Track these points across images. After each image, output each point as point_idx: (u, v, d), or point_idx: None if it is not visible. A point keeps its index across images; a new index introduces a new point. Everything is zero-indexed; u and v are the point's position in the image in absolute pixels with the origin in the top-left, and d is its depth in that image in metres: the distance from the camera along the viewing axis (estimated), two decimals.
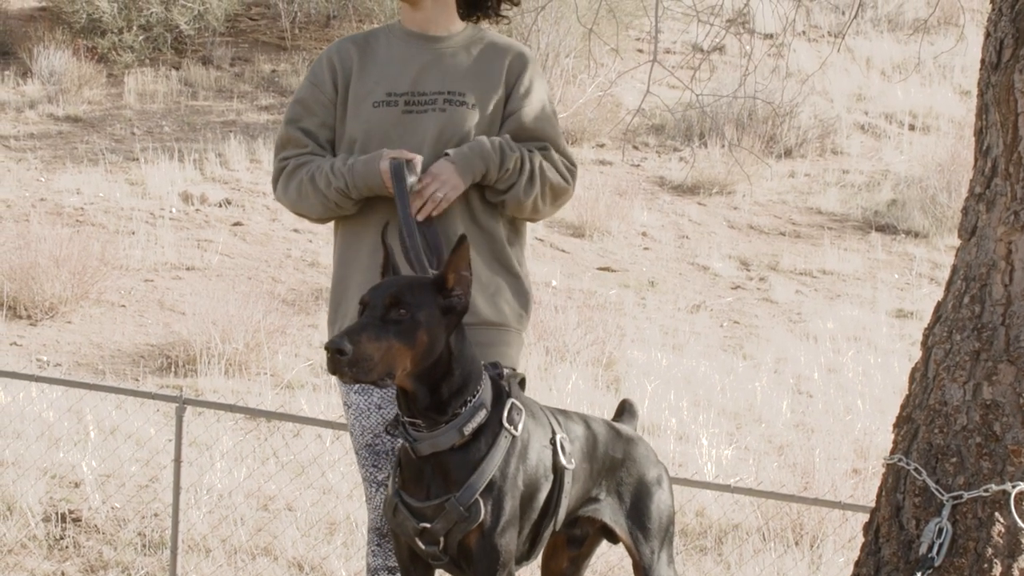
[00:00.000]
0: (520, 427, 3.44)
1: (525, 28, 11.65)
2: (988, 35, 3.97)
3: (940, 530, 3.80)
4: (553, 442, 3.53)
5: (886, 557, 3.91)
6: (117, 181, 14.34)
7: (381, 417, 3.89)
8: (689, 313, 12.85)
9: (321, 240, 13.23)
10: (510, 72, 4.00)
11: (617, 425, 3.86)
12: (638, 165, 16.44)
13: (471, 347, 3.43)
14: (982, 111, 3.99)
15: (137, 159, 14.86)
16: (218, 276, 12.57)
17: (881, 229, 15.24)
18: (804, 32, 19.41)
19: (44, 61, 16.34)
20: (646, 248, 14.37)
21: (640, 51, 17.78)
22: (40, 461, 8.06)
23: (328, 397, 9.89)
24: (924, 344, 4.03)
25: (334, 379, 3.33)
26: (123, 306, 11.80)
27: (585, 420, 3.72)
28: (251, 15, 18.56)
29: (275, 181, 4.06)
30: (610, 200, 14.76)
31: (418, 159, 3.83)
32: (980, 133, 4.00)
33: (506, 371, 3.59)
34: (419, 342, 3.28)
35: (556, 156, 3.99)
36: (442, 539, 3.39)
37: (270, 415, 7.89)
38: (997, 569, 3.77)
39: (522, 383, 3.62)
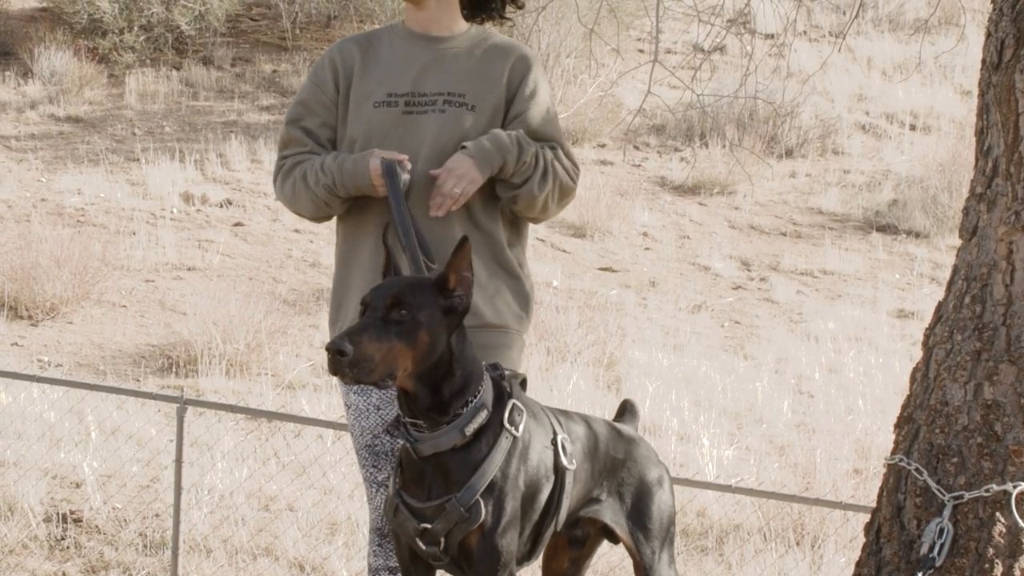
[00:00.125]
0: (521, 428, 3.44)
1: (526, 28, 11.65)
2: (989, 35, 3.96)
3: (941, 530, 3.80)
4: (554, 443, 3.53)
5: (887, 557, 3.91)
6: (118, 181, 14.35)
7: (380, 418, 3.89)
8: (690, 313, 12.85)
9: (322, 240, 13.23)
10: (512, 74, 3.98)
11: (618, 425, 3.86)
12: (639, 165, 16.44)
13: (472, 348, 3.43)
14: (983, 111, 3.99)
15: (138, 159, 14.87)
16: (219, 276, 12.58)
17: (882, 229, 15.24)
18: (805, 32, 19.41)
19: (45, 61, 16.34)
20: (647, 248, 14.37)
21: (641, 51, 17.78)
22: (41, 461, 8.06)
23: (329, 397, 9.89)
24: (925, 344, 4.03)
25: (335, 379, 3.32)
26: (124, 306, 11.80)
27: (586, 420, 3.72)
28: (252, 15, 18.56)
29: (275, 180, 4.07)
30: (611, 200, 14.76)
31: (407, 159, 3.83)
32: (981, 133, 4.00)
33: (507, 372, 3.59)
34: (420, 342, 3.28)
35: (562, 156, 3.98)
36: (443, 540, 3.39)
37: (271, 415, 7.89)
38: (998, 569, 3.77)
39: (523, 384, 3.62)
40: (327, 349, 3.21)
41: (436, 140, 3.90)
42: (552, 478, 3.51)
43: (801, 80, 15.22)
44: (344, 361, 3.19)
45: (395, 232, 3.72)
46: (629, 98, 16.94)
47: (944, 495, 3.82)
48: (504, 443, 3.40)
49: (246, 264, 12.93)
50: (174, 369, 10.59)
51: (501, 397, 3.45)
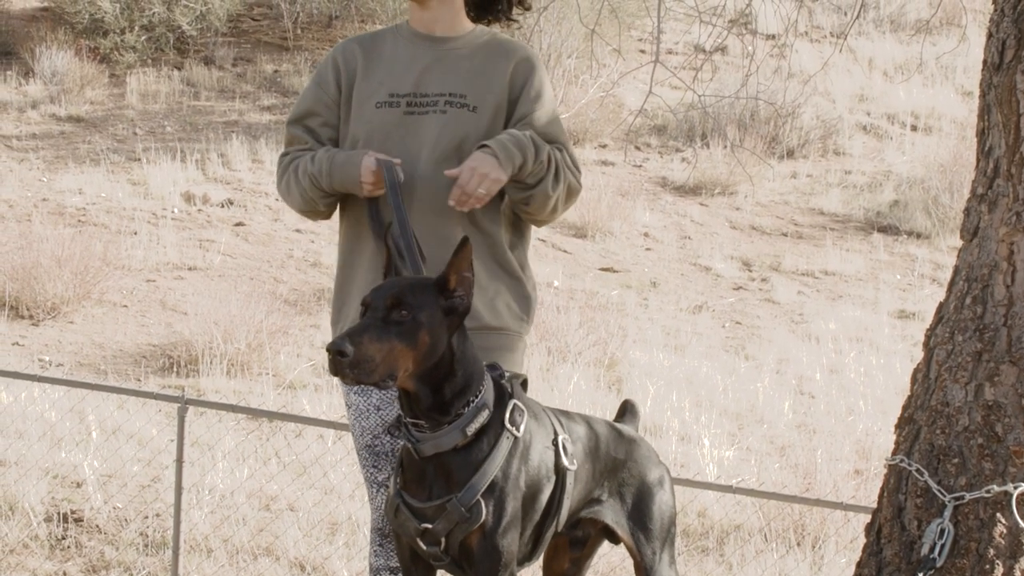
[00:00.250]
0: (522, 428, 3.44)
1: (527, 28, 11.65)
2: (990, 36, 3.96)
3: (942, 531, 3.80)
4: (555, 443, 3.53)
5: (888, 558, 3.91)
6: (119, 181, 14.35)
7: (380, 418, 3.89)
8: (691, 314, 12.85)
9: (323, 240, 13.24)
10: (515, 76, 3.96)
11: (619, 426, 3.86)
12: (640, 166, 16.44)
13: (473, 348, 3.43)
14: (984, 112, 3.99)
15: (139, 159, 14.87)
16: (220, 276, 12.58)
17: (883, 230, 15.24)
18: (806, 33, 19.41)
19: (46, 61, 16.35)
20: (648, 249, 14.37)
21: (642, 52, 17.78)
22: (42, 461, 8.06)
23: (330, 397, 9.90)
24: (926, 345, 4.03)
25: (336, 379, 3.32)
26: (125, 306, 11.81)
27: (587, 421, 3.72)
28: (253, 15, 18.57)
29: (276, 177, 4.09)
30: (612, 201, 14.77)
31: (399, 163, 3.83)
32: (982, 134, 4.00)
33: (507, 372, 3.59)
34: (421, 343, 3.28)
35: (567, 157, 3.97)
36: (444, 540, 3.39)
37: (272, 415, 7.89)
38: (999, 570, 3.77)
39: (524, 384, 3.62)
40: (328, 350, 3.21)
41: (437, 141, 3.90)
42: (553, 478, 3.51)
43: (802, 81, 15.22)
44: (345, 362, 3.19)
45: (394, 233, 3.72)
46: (630, 98, 16.94)
47: (945, 496, 3.82)
48: (505, 443, 3.40)
49: (247, 264, 12.93)
50: (175, 369, 10.59)
51: (502, 397, 3.46)
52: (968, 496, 3.80)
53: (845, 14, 19.06)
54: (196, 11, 17.37)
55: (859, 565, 4.01)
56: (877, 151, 17.17)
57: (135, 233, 13.16)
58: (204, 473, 8.08)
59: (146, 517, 7.66)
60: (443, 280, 3.36)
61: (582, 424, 3.69)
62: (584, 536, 3.79)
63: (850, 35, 17.88)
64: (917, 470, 3.89)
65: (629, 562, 3.79)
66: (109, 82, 16.76)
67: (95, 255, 11.88)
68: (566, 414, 3.68)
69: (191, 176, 14.60)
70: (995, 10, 3.96)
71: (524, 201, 3.90)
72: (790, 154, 16.83)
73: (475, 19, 4.10)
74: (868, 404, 10.60)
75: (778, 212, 15.57)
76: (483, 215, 3.92)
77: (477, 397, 3.38)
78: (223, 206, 14.04)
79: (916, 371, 4.05)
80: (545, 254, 13.55)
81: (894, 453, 4.02)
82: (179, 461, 6.75)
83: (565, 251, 13.89)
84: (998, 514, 3.80)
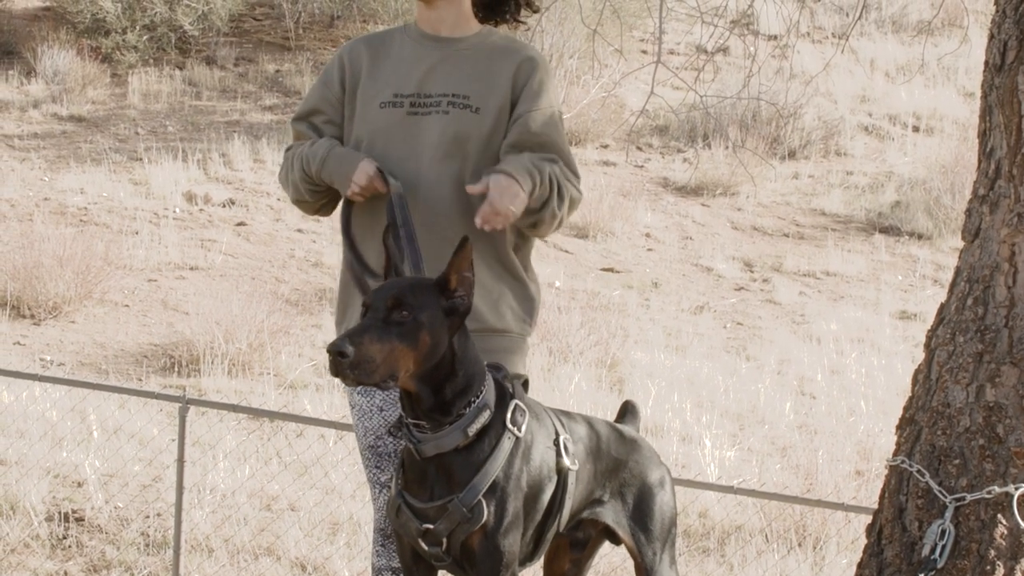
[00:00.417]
0: (523, 428, 3.44)
1: (529, 29, 11.65)
2: (992, 37, 3.97)
3: (943, 532, 3.80)
4: (556, 443, 3.53)
5: (889, 559, 3.91)
6: (121, 181, 14.36)
7: (383, 419, 3.88)
8: (692, 314, 12.85)
9: (325, 240, 13.24)
10: (518, 76, 3.94)
11: (620, 426, 3.86)
12: (642, 166, 16.44)
13: (475, 348, 3.43)
14: (986, 113, 3.99)
15: (141, 159, 14.88)
16: (222, 276, 12.58)
17: (885, 231, 15.24)
18: (808, 33, 19.41)
19: (48, 61, 16.36)
20: (649, 249, 14.37)
21: (644, 52, 17.78)
22: (43, 461, 8.07)
23: (331, 397, 9.90)
24: (927, 346, 4.03)
25: (337, 380, 3.31)
26: (126, 306, 11.81)
27: (588, 421, 3.72)
28: (255, 15, 18.57)
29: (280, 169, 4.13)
30: (614, 201, 14.77)
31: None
32: (984, 135, 4.00)
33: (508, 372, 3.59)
34: (422, 343, 3.28)
35: (564, 167, 3.92)
36: (445, 540, 3.39)
37: (273, 415, 7.90)
38: (999, 571, 3.77)
39: (525, 384, 3.62)
40: (328, 351, 3.21)
41: (439, 141, 3.89)
42: (555, 479, 3.51)
43: (804, 81, 15.21)
44: (345, 363, 3.19)
45: (394, 234, 3.72)
46: (632, 99, 16.95)
47: (946, 497, 3.82)
48: (506, 444, 3.40)
49: (249, 264, 12.93)
50: (176, 369, 10.60)
51: (503, 398, 3.45)
52: (969, 497, 3.80)
53: (847, 15, 19.06)
54: (198, 11, 17.38)
55: (860, 566, 4.01)
56: (879, 152, 17.17)
57: (137, 233, 13.16)
58: (205, 473, 8.09)
59: (147, 517, 7.67)
60: (444, 280, 3.36)
61: (583, 424, 3.69)
62: (585, 537, 3.79)
63: (852, 36, 17.89)
64: (918, 471, 3.89)
65: (630, 563, 3.79)
66: (111, 82, 16.77)
67: (97, 255, 11.88)
68: (567, 414, 3.68)
69: (193, 176, 14.60)
70: (996, 11, 3.96)
71: (532, 224, 3.87)
72: (792, 155, 16.83)
73: (483, 19, 4.09)
74: (869, 405, 10.60)
75: (780, 213, 15.57)
76: None
77: (478, 398, 3.38)
78: (225, 206, 14.05)
79: (917, 372, 4.05)
80: (546, 254, 13.55)
81: (895, 454, 4.02)
82: (180, 461, 6.75)
83: (566, 251, 13.89)
84: (999, 515, 3.80)
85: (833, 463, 8.97)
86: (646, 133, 17.02)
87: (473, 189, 3.76)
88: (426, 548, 3.41)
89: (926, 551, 3.81)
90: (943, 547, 3.79)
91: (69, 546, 7.34)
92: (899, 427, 4.06)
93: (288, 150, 4.07)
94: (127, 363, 10.71)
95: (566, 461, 3.52)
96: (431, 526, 3.38)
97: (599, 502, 3.69)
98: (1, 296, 11.39)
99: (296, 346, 11.05)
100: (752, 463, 9.38)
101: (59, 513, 7.57)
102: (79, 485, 8.00)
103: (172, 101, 16.51)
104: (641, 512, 3.74)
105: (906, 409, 4.05)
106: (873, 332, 12.51)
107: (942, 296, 4.12)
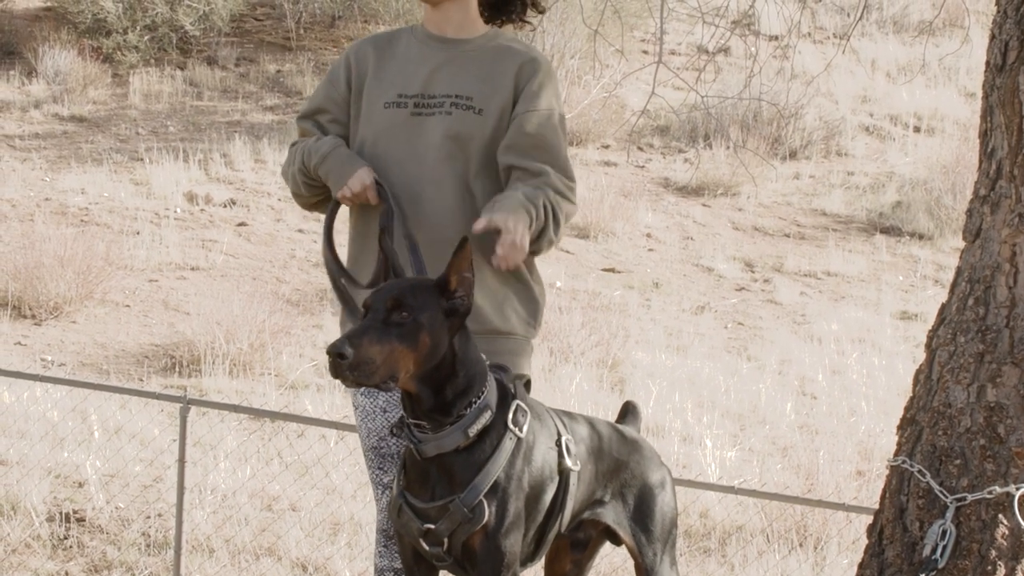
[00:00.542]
0: (525, 429, 3.44)
1: (535, 29, 11.67)
2: (993, 37, 3.97)
3: (944, 532, 3.80)
4: (558, 444, 3.53)
5: (890, 559, 3.91)
6: (122, 181, 14.36)
7: (386, 420, 3.88)
8: (693, 314, 12.85)
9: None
10: (519, 77, 3.92)
11: (621, 427, 3.86)
12: (643, 166, 16.44)
13: (476, 349, 3.43)
14: (987, 113, 3.99)
15: (142, 159, 14.88)
16: (222, 276, 12.58)
17: (886, 231, 15.24)
18: (809, 34, 19.41)
19: (49, 61, 16.36)
20: (650, 249, 14.37)
21: (645, 52, 17.78)
22: (44, 461, 8.07)
23: (332, 397, 9.90)
24: (928, 346, 4.03)
25: (338, 381, 3.31)
26: (127, 306, 11.81)
27: (590, 422, 3.72)
28: (256, 15, 18.58)
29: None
30: (615, 201, 14.77)
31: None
32: (985, 135, 4.00)
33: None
34: (421, 344, 3.28)
35: (555, 178, 3.87)
36: (446, 540, 3.39)
37: (274, 415, 7.90)
38: (1000, 571, 3.77)
39: (527, 385, 3.62)
40: (328, 352, 3.21)
41: (441, 142, 3.89)
42: (556, 479, 3.51)
43: (805, 82, 15.19)
44: (344, 364, 3.19)
45: (391, 237, 3.72)
46: (633, 99, 16.94)
47: (947, 497, 3.82)
48: (508, 444, 3.40)
49: (250, 264, 12.93)
50: (177, 369, 10.60)
51: (505, 398, 3.45)
52: (970, 497, 3.80)
53: (848, 15, 19.06)
54: (199, 11, 17.38)
55: (861, 566, 4.01)
56: (880, 152, 17.17)
57: (138, 233, 13.16)
58: (206, 473, 8.09)
59: (148, 517, 7.67)
60: (444, 281, 3.36)
61: (585, 425, 3.69)
62: (586, 538, 3.79)
63: (853, 36, 17.90)
64: (919, 471, 3.89)
65: (630, 563, 3.79)
66: (112, 82, 16.77)
67: (98, 255, 11.88)
68: (569, 415, 3.68)
69: (194, 176, 14.60)
70: (998, 12, 3.96)
71: (532, 252, 3.85)
72: (793, 155, 16.83)
73: (489, 19, 4.09)
74: (870, 405, 10.60)
75: (780, 213, 15.57)
76: None
77: (479, 398, 3.38)
78: (226, 206, 14.05)
79: (918, 372, 4.05)
80: (547, 255, 13.49)
81: (896, 454, 4.02)
82: (181, 461, 6.75)
83: (567, 251, 13.89)
84: (1000, 515, 3.80)
85: (834, 463, 8.96)
86: (647, 133, 17.02)
87: (478, 228, 3.71)
88: (427, 548, 3.42)
89: (927, 551, 3.81)
90: (944, 547, 3.79)
91: (70, 546, 7.34)
92: (900, 427, 4.06)
93: (293, 145, 4.07)
94: (128, 363, 10.71)
95: (568, 462, 3.52)
96: (432, 526, 3.38)
97: (600, 503, 3.69)
98: (2, 296, 11.39)
99: (297, 346, 11.05)
100: (753, 463, 9.38)
101: (60, 513, 7.57)
102: (80, 485, 8.00)
103: (173, 101, 16.51)
104: (642, 513, 3.74)
105: (907, 409, 4.05)
106: (874, 332, 12.50)
107: (943, 296, 4.12)
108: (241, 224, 13.71)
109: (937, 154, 16.55)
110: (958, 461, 3.85)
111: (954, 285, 4.02)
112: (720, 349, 12.01)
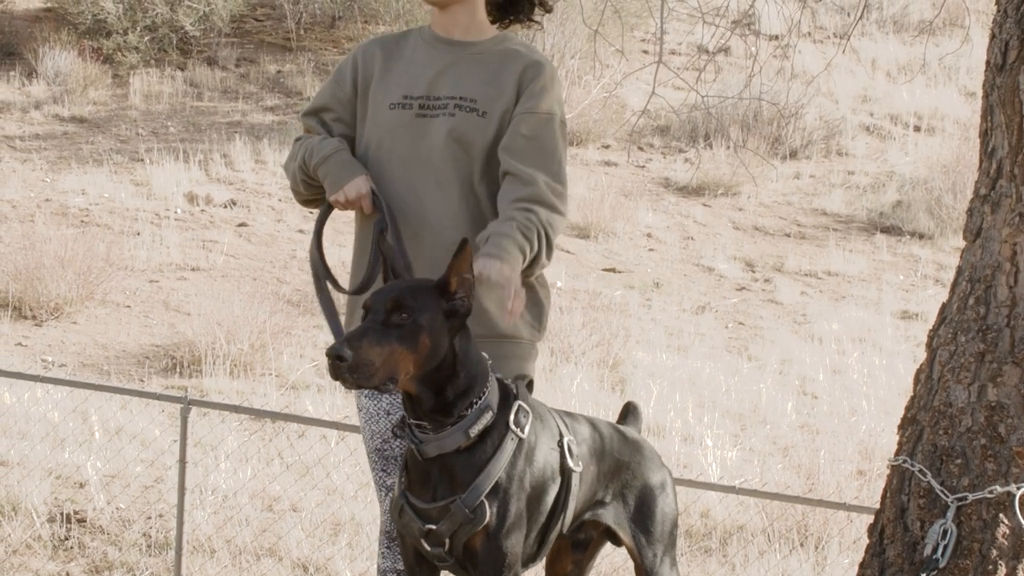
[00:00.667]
0: (527, 429, 3.44)
1: (538, 29, 11.67)
2: (993, 37, 3.97)
3: (945, 532, 3.80)
4: (560, 444, 3.53)
5: (890, 559, 3.91)
6: (122, 182, 14.36)
7: (390, 422, 3.87)
8: (694, 314, 12.85)
9: (326, 241, 13.19)
10: (522, 80, 3.91)
11: (622, 428, 3.86)
12: (643, 166, 16.44)
13: (477, 349, 3.43)
14: (987, 113, 3.99)
15: (142, 160, 14.88)
16: (223, 277, 12.58)
17: (886, 230, 15.24)
18: (809, 33, 19.41)
19: (49, 62, 16.36)
20: (651, 249, 14.37)
21: (645, 52, 17.78)
22: (45, 461, 8.07)
23: (333, 398, 9.90)
24: (929, 346, 4.03)
25: (338, 382, 3.31)
26: (128, 307, 11.81)
27: (591, 422, 3.72)
28: (256, 16, 18.58)
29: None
30: (615, 201, 14.77)
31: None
32: (985, 135, 4.00)
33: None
34: (421, 345, 3.28)
35: (544, 188, 3.82)
36: (448, 541, 3.39)
37: (275, 416, 7.89)
38: (1001, 571, 3.77)
39: (529, 385, 3.62)
40: (327, 355, 3.21)
41: (444, 144, 3.89)
42: (558, 480, 3.51)
43: (805, 81, 15.19)
44: (344, 366, 3.19)
45: (390, 241, 3.72)
46: (633, 99, 16.94)
47: (948, 496, 3.82)
48: (509, 444, 3.40)
49: (250, 264, 12.93)
50: (178, 369, 10.60)
51: (507, 398, 3.45)
52: (971, 497, 3.80)
53: (848, 15, 19.06)
54: (199, 12, 17.38)
55: (862, 566, 4.01)
56: (880, 152, 17.17)
57: (138, 234, 13.17)
58: (207, 474, 8.09)
59: (149, 518, 7.67)
60: (444, 282, 3.36)
61: (587, 425, 3.69)
62: (586, 538, 3.79)
63: (853, 36, 17.90)
64: (920, 471, 3.89)
65: (630, 564, 3.80)
66: (112, 83, 16.77)
67: (98, 256, 11.88)
68: (571, 415, 3.69)
69: (194, 177, 14.61)
70: (998, 11, 3.96)
71: (524, 276, 3.79)
72: (793, 155, 16.83)
73: (496, 19, 4.08)
74: (871, 405, 10.60)
75: (781, 213, 15.57)
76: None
77: (481, 399, 3.38)
78: (226, 207, 14.05)
79: (919, 372, 4.05)
80: None
81: (897, 454, 4.02)
82: (182, 462, 6.75)
83: (568, 252, 13.89)
84: (1001, 515, 3.80)
85: (835, 463, 8.96)
86: (647, 133, 17.03)
87: (482, 275, 3.62)
88: (429, 549, 3.42)
89: (928, 551, 3.82)
90: (945, 547, 3.79)
91: (71, 547, 7.34)
92: (901, 427, 4.06)
93: (298, 140, 4.07)
94: (129, 364, 10.71)
95: (570, 462, 3.52)
96: (434, 527, 3.38)
97: (601, 503, 3.69)
98: (3, 297, 11.39)
99: (298, 347, 11.05)
100: (754, 463, 9.38)
101: (61, 514, 7.57)
102: (81, 486, 8.00)
103: (173, 102, 16.52)
104: (642, 514, 3.75)
105: (908, 409, 4.05)
106: (875, 332, 12.50)
107: (944, 296, 4.12)
108: (242, 224, 13.71)
109: (937, 153, 16.55)
110: (959, 461, 3.85)
111: (955, 284, 4.02)
112: (721, 349, 12.01)
